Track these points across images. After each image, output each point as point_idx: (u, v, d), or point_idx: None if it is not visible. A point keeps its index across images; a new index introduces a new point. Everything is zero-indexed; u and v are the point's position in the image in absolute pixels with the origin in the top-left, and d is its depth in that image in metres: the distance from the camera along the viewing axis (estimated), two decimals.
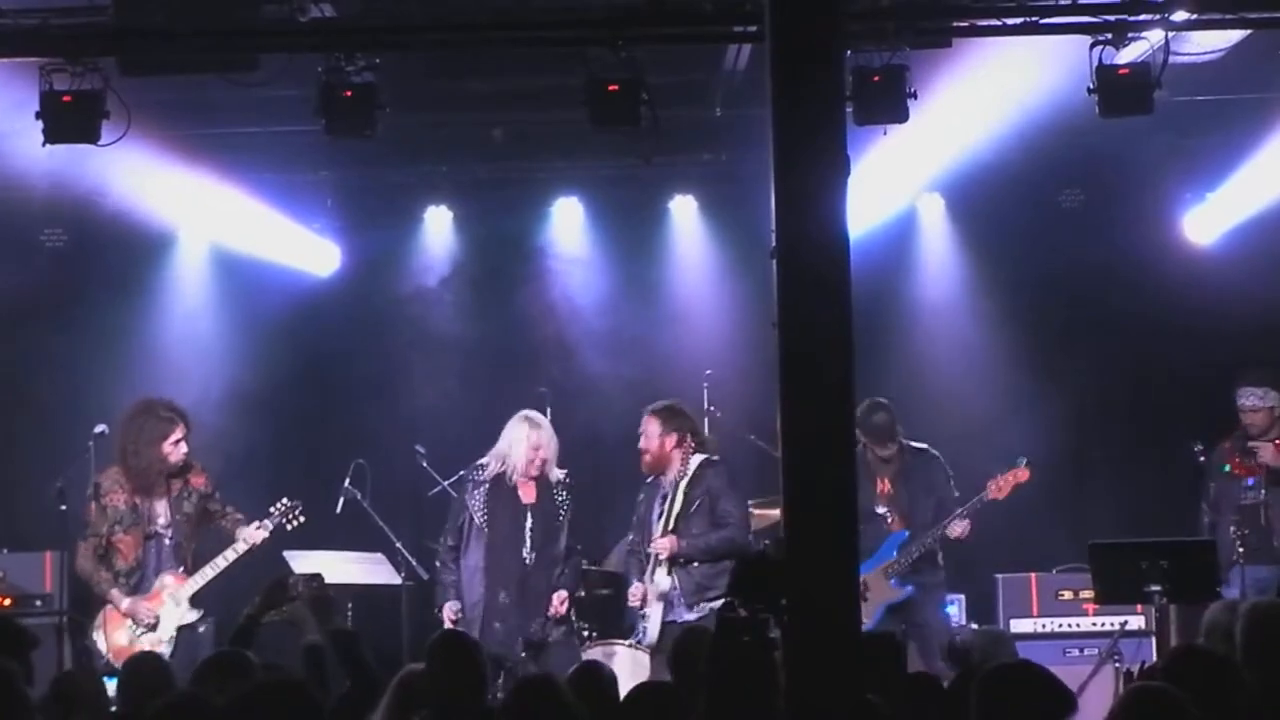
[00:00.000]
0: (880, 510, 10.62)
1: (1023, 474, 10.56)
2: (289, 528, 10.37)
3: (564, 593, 10.15)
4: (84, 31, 9.30)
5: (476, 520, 10.16)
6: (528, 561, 10.11)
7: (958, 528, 10.51)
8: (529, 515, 10.16)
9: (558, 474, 10.25)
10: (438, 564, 10.44)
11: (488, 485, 10.21)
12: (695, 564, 10.07)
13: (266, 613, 7.10)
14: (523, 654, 9.95)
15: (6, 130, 10.45)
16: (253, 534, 10.20)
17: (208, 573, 10.12)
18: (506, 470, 10.19)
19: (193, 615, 10.10)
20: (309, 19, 9.32)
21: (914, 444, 10.78)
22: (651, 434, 10.24)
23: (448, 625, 9.96)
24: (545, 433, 10.22)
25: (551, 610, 10.09)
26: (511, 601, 10.04)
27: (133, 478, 10.11)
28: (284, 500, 10.37)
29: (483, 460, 10.31)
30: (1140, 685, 5.76)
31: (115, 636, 10.04)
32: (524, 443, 10.15)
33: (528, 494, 10.21)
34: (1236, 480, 10.97)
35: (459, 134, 12.28)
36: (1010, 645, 8.30)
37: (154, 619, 10.02)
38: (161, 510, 10.14)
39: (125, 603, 10.04)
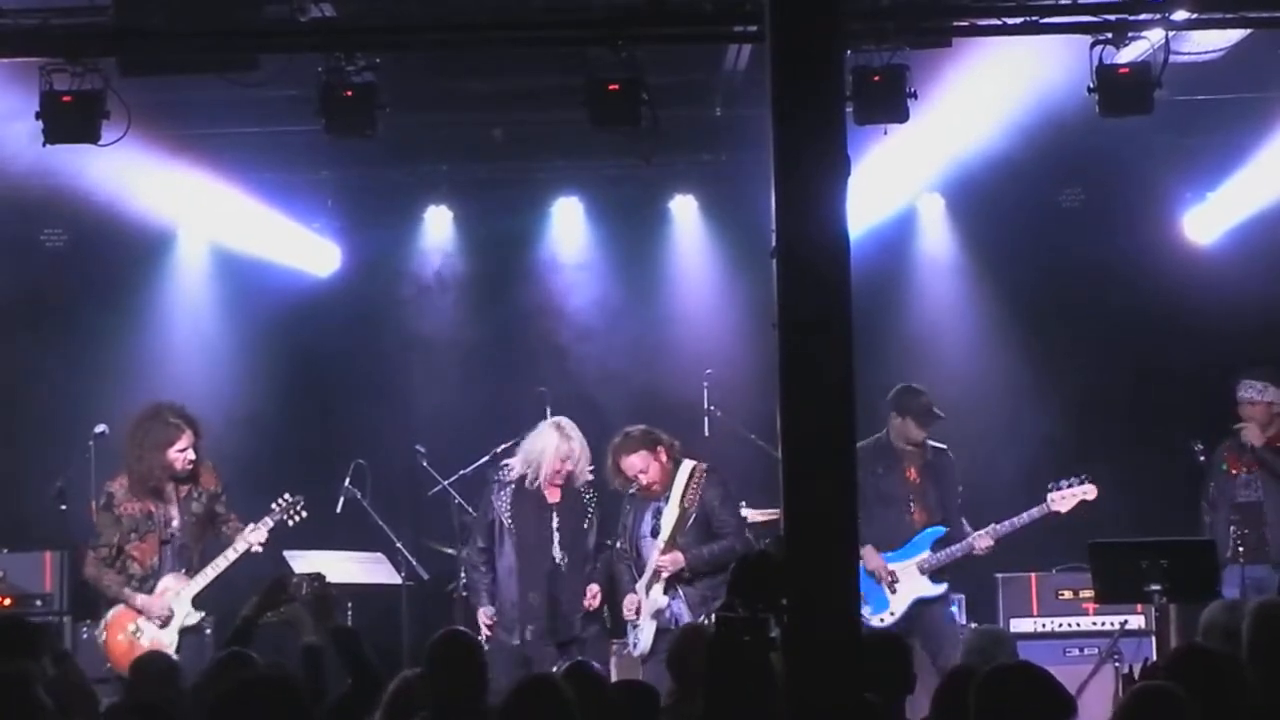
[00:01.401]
0: (909, 498, 10.68)
1: (1090, 491, 10.54)
2: (290, 524, 10.34)
3: (595, 586, 10.17)
4: (84, 31, 9.30)
5: (504, 521, 10.17)
6: (558, 561, 10.12)
7: (986, 540, 10.56)
8: (555, 515, 10.18)
9: (586, 474, 10.26)
10: (466, 566, 10.47)
11: (513, 486, 10.23)
12: (699, 578, 10.06)
13: (264, 614, 7.09)
14: (562, 657, 9.93)
15: (6, 130, 10.45)
16: (251, 534, 10.18)
17: (209, 573, 10.09)
18: (530, 474, 10.20)
19: (195, 616, 10.08)
20: (309, 19, 9.32)
21: (933, 443, 10.80)
22: (643, 464, 10.17)
23: (484, 631, 9.99)
24: (576, 443, 10.19)
25: (585, 603, 10.11)
26: (543, 602, 10.05)
27: (136, 481, 10.09)
28: (285, 496, 10.33)
29: (508, 460, 10.33)
30: (1144, 685, 5.75)
31: (117, 640, 10.00)
32: (552, 452, 10.15)
33: (553, 494, 10.23)
34: (1233, 478, 10.97)
35: (459, 134, 12.27)
36: (1010, 645, 8.27)
37: (168, 612, 9.97)
38: (175, 514, 10.11)
39: (139, 599, 10.00)
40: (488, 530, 10.27)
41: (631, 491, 10.29)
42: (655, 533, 10.14)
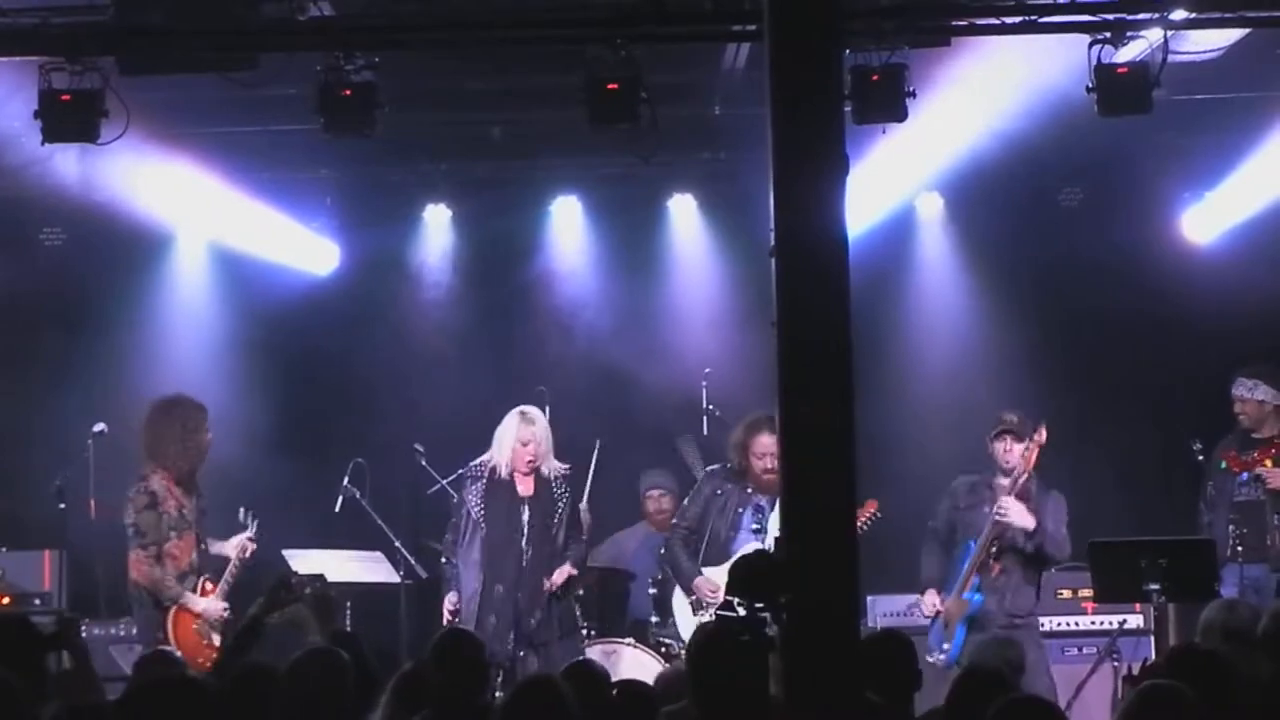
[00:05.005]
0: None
1: (1040, 435, 10.36)
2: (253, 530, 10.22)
3: (567, 567, 10.23)
4: (83, 31, 9.29)
5: (474, 515, 10.23)
6: (525, 555, 10.15)
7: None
8: (525, 508, 10.24)
9: (557, 468, 10.30)
10: (443, 558, 10.49)
11: (484, 480, 10.29)
12: None
13: (272, 613, 7.08)
14: (520, 653, 9.99)
15: (5, 129, 10.45)
16: (245, 544, 10.07)
17: (229, 580, 10.00)
18: (500, 464, 10.24)
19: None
20: (308, 18, 9.32)
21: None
22: (775, 450, 10.06)
23: (446, 616, 10.07)
24: (538, 428, 10.28)
25: (547, 585, 10.13)
26: (507, 594, 10.07)
27: (181, 471, 9.92)
28: (243, 510, 10.19)
29: (480, 458, 10.36)
30: (1150, 684, 5.75)
31: (187, 639, 9.76)
32: (512, 437, 10.24)
33: (525, 487, 10.29)
34: (1231, 476, 10.97)
35: (459, 133, 12.27)
36: (1018, 649, 8.29)
37: (225, 614, 9.79)
38: (196, 508, 10.01)
39: (201, 603, 9.83)
40: (456, 525, 10.33)
41: (747, 487, 10.31)
42: (758, 532, 10.15)
